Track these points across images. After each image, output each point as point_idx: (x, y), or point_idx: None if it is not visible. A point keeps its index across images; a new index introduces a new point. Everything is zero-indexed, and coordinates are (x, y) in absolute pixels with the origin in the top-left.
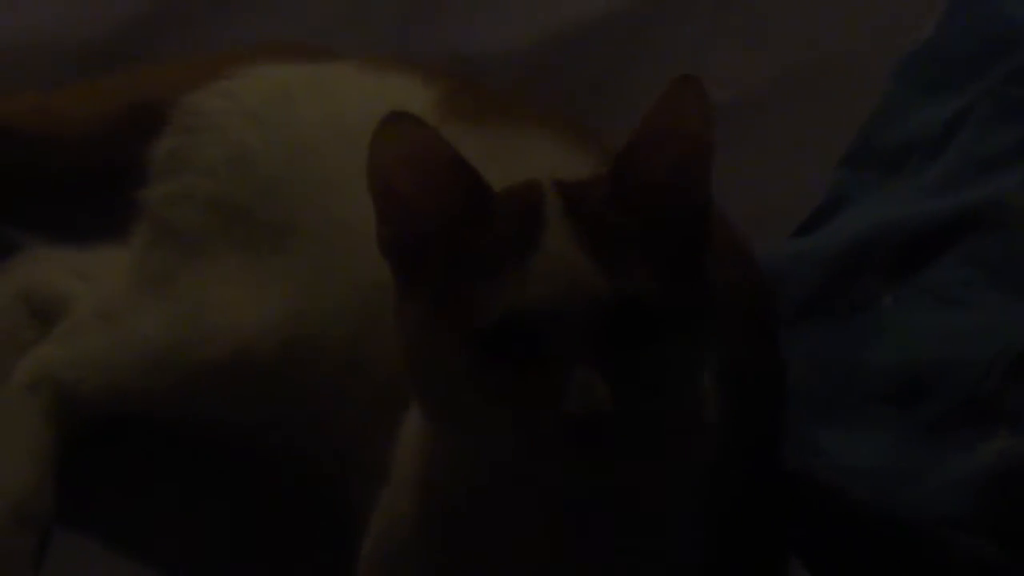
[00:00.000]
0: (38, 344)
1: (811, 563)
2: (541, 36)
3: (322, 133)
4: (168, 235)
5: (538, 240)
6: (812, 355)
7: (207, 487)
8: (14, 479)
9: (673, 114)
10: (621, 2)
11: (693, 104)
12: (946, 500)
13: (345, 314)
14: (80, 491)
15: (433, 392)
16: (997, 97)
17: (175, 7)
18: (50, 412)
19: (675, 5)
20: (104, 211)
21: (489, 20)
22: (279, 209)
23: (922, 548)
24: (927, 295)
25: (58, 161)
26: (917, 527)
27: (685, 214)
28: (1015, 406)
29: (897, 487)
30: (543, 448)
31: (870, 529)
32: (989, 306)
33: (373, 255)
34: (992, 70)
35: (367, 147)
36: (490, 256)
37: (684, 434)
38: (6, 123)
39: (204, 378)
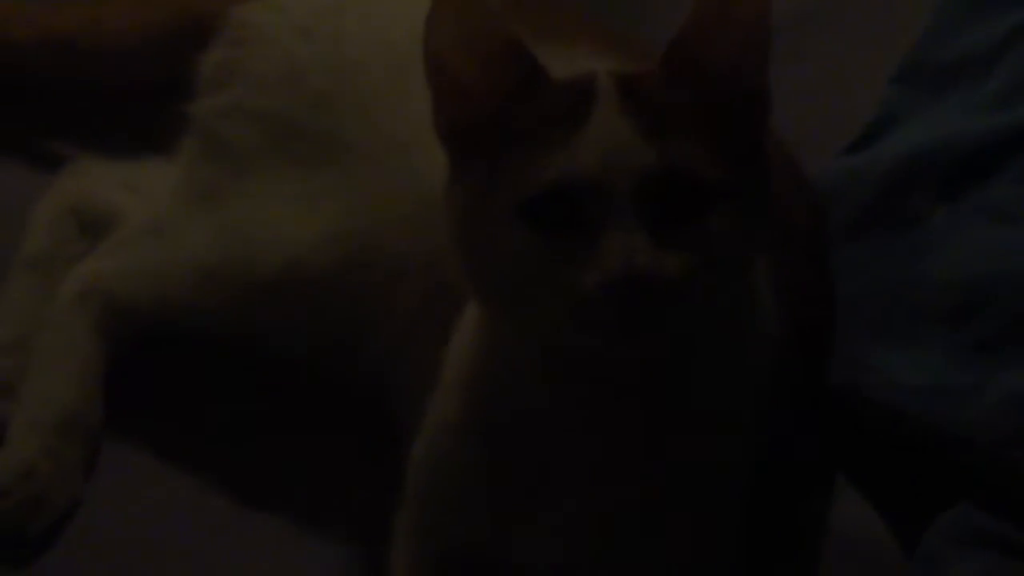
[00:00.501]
0: (87, 256)
1: (860, 480)
2: None
3: (371, 47)
4: (217, 149)
5: (588, 115)
6: (864, 272)
7: (256, 400)
8: (63, 390)
9: (725, 0)
10: None
11: None
12: (999, 417)
13: (394, 227)
14: (130, 404)
15: (484, 272)
16: None
17: None
18: (99, 324)
19: None
20: (153, 124)
21: None
22: (328, 123)
23: (975, 465)
24: (979, 212)
25: (108, 73)
26: (970, 444)
27: (740, 99)
28: None
29: (950, 404)
30: (589, 315)
31: (922, 447)
32: None
33: (421, 168)
34: None
35: (416, 59)
36: (542, 131)
37: (736, 330)
38: (56, 34)
39: (253, 293)
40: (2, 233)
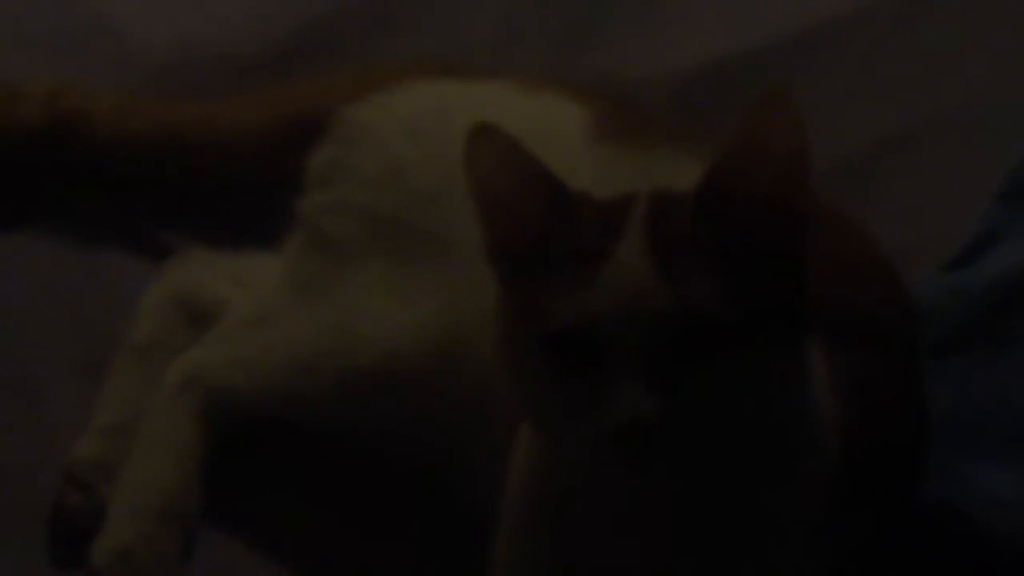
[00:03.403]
0: (191, 346)
1: None
2: (698, 60)
3: None
4: (321, 243)
5: (613, 250)
6: (961, 388)
7: (349, 493)
8: (163, 478)
9: (763, 132)
10: (771, 36)
11: (783, 122)
12: None
13: (490, 327)
14: (228, 492)
15: (515, 390)
16: None
17: (340, 22)
18: (200, 413)
19: (831, 42)
20: (261, 219)
21: (647, 42)
22: (432, 222)
23: None
24: None
25: (217, 168)
26: None
27: (777, 231)
28: None
29: None
30: (597, 455)
31: (1014, 563)
32: None
33: None
34: None
35: None
36: (570, 263)
37: (777, 453)
38: (171, 130)
39: (352, 385)
40: (111, 320)
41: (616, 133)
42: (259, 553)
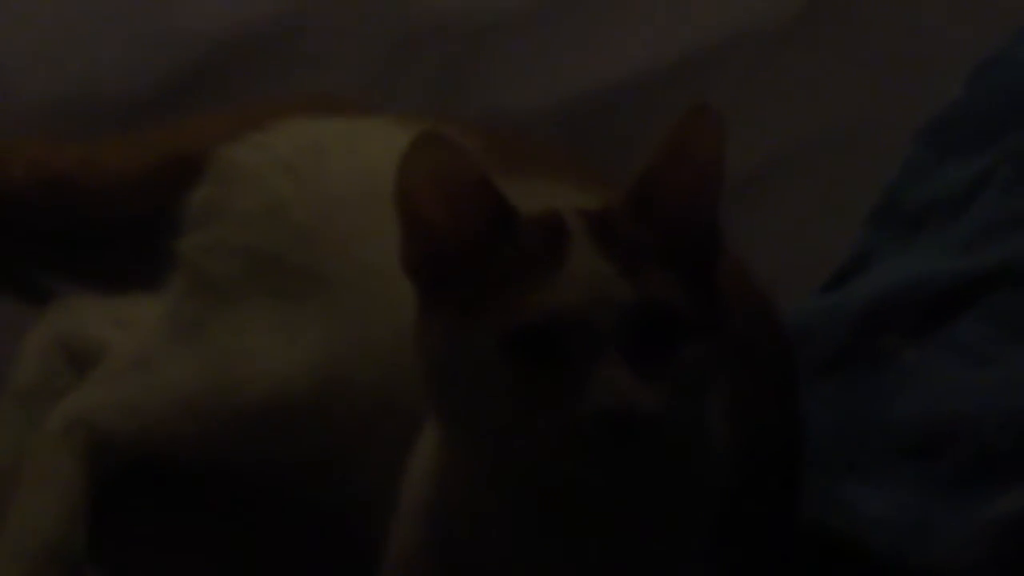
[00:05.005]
0: (73, 389)
1: None
2: (575, 93)
3: (355, 186)
4: (202, 284)
5: (565, 252)
6: (836, 408)
7: (238, 532)
8: (47, 521)
9: (689, 141)
10: (652, 64)
11: (708, 131)
12: (962, 552)
13: (375, 359)
14: (113, 534)
15: (459, 404)
16: (1019, 159)
17: (217, 60)
18: (83, 456)
19: (707, 68)
20: (142, 260)
21: (524, 76)
22: (312, 258)
23: None
24: (949, 351)
25: (98, 211)
26: None
27: (698, 234)
28: None
29: (914, 538)
30: (575, 445)
31: None
32: (1009, 362)
33: (401, 300)
34: (1014, 133)
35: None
36: (521, 269)
37: (696, 453)
38: (50, 173)
39: (236, 424)
40: None
41: (495, 168)
42: None
